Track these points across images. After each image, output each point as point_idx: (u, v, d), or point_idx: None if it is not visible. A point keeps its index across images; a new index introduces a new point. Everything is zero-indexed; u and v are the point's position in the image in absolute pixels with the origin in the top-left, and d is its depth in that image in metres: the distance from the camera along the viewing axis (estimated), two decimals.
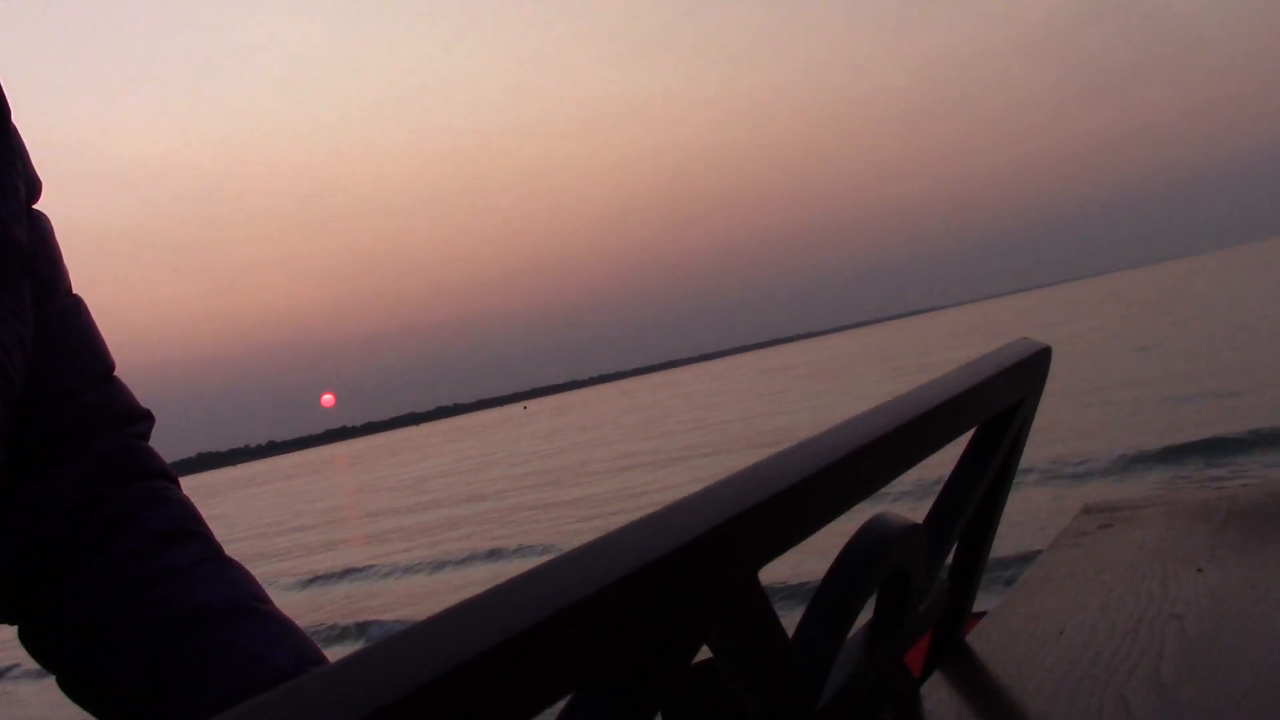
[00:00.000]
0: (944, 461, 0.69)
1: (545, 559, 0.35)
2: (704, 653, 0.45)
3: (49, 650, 0.83)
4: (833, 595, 0.54)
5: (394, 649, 0.30)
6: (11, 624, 0.84)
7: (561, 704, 0.38)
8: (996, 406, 0.67)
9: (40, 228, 0.84)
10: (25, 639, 0.84)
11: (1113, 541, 0.95)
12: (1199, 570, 0.82)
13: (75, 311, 0.86)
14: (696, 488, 0.42)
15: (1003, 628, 0.79)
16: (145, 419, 0.89)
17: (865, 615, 0.61)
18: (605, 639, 0.35)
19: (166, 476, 0.88)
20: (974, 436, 0.70)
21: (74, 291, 0.87)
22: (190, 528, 0.86)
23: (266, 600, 0.85)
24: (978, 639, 0.78)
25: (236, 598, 0.82)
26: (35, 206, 0.85)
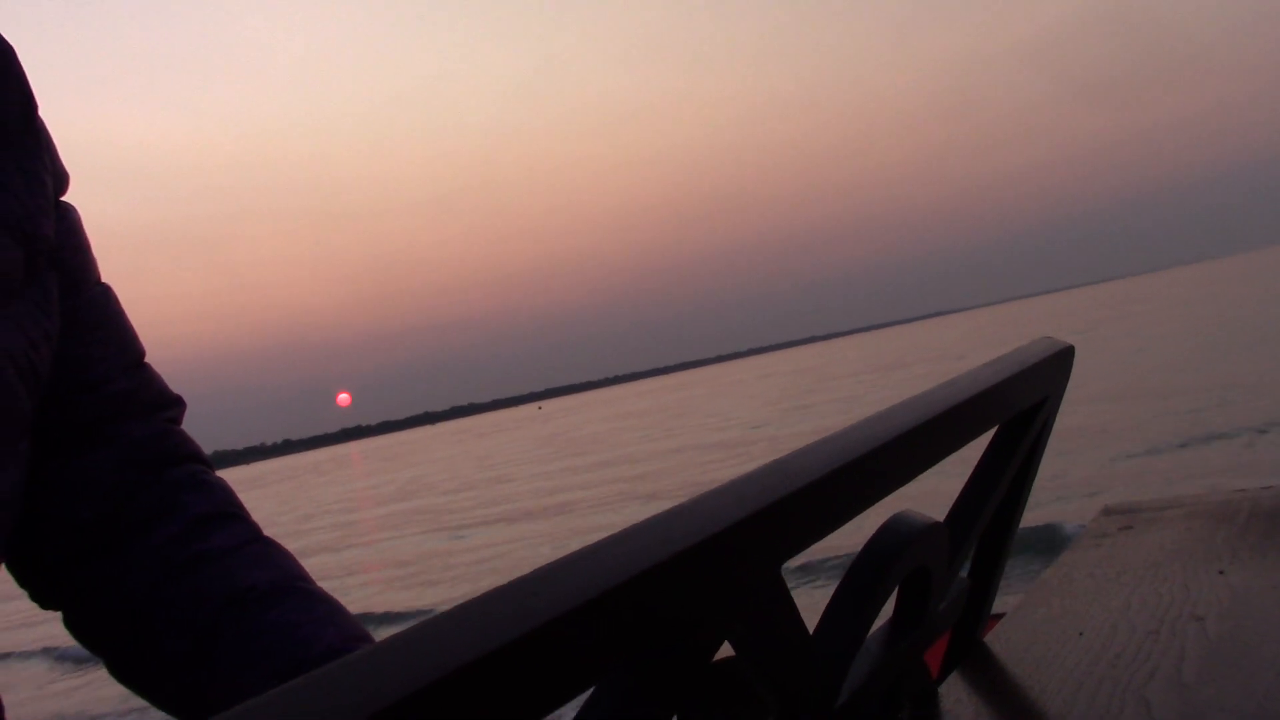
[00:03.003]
0: (966, 460, 0.69)
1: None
2: (725, 651, 0.45)
3: (95, 635, 0.84)
4: (854, 592, 0.54)
5: (424, 636, 0.30)
6: (55, 610, 0.85)
7: (585, 695, 0.38)
8: (1018, 405, 0.67)
9: (68, 219, 0.86)
10: (70, 624, 0.85)
11: (1133, 543, 0.94)
12: (1220, 572, 0.82)
13: (105, 299, 0.88)
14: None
15: (1022, 628, 0.79)
16: (177, 404, 0.91)
17: (885, 614, 0.61)
18: (629, 632, 0.35)
19: (201, 460, 0.90)
20: (995, 435, 0.70)
21: (102, 280, 0.89)
22: (230, 511, 0.87)
23: (310, 580, 0.86)
24: (997, 639, 0.78)
25: (281, 578, 0.84)
26: (63, 199, 0.86)
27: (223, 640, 0.80)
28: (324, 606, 0.83)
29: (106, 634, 0.84)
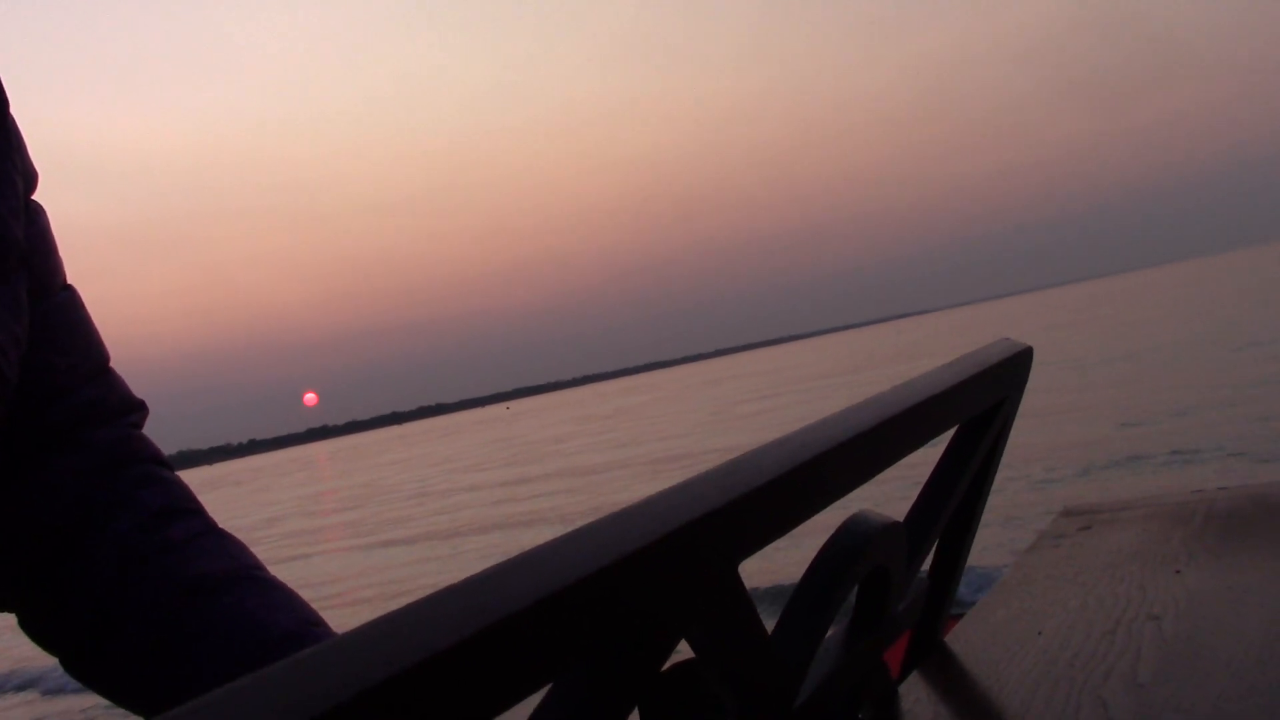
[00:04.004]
0: (926, 460, 0.70)
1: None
2: (683, 650, 0.45)
3: (52, 633, 0.84)
4: (812, 592, 0.54)
5: (376, 633, 0.30)
6: (10, 612, 0.85)
7: (542, 693, 0.38)
8: (977, 406, 0.67)
9: (38, 221, 0.85)
10: (26, 625, 0.85)
11: (1091, 543, 0.95)
12: (1177, 572, 0.83)
13: (71, 304, 0.87)
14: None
15: (981, 628, 0.79)
16: (140, 409, 0.91)
17: (845, 614, 0.61)
18: (586, 630, 0.35)
19: (159, 461, 0.90)
20: (955, 436, 0.70)
21: (68, 283, 0.88)
22: (186, 505, 0.88)
23: (264, 568, 0.87)
24: (956, 639, 0.78)
25: (237, 567, 0.85)
26: (33, 198, 0.85)
27: (182, 630, 0.81)
28: (279, 593, 0.84)
29: (64, 631, 0.83)
